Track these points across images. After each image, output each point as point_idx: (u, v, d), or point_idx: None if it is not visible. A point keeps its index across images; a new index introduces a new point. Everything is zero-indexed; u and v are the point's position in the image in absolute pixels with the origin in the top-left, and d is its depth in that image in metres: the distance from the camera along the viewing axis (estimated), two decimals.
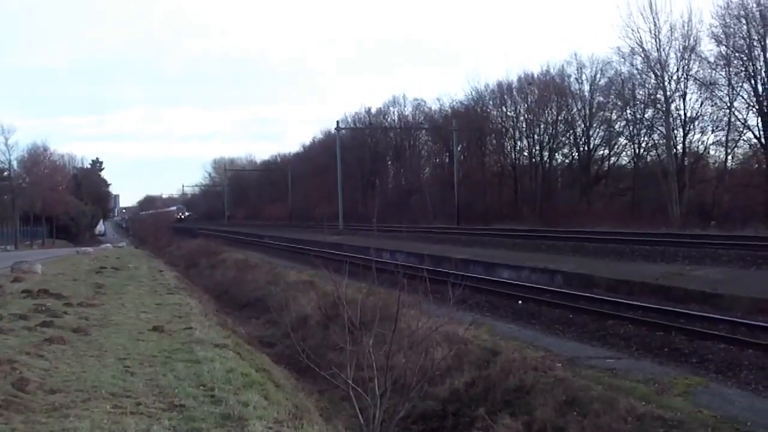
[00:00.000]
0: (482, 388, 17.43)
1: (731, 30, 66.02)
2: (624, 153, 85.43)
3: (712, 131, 72.41)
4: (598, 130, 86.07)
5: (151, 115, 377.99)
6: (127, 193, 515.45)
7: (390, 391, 13.68)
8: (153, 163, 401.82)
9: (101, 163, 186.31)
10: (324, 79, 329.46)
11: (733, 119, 68.75)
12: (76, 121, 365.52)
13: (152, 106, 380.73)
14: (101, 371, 13.97)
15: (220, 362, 15.44)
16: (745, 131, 68.94)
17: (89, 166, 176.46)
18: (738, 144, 71.39)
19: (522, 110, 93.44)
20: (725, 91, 68.26)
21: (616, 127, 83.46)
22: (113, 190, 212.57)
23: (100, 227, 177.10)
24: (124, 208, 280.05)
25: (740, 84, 66.82)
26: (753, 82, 65.31)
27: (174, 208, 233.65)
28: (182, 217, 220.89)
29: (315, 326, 27.15)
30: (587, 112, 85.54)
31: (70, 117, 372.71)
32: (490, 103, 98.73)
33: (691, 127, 72.61)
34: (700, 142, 74.49)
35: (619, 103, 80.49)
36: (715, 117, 71.09)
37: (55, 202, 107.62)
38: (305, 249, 62.75)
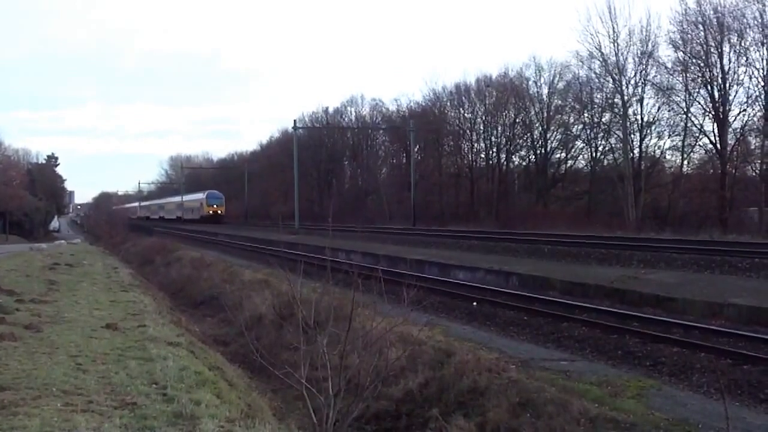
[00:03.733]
0: (436, 388, 17.45)
1: (689, 36, 66.97)
2: (581, 156, 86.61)
3: (669, 136, 73.55)
4: (555, 133, 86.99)
5: (108, 112, 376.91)
6: (83, 189, 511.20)
7: (344, 391, 13.63)
8: (109, 159, 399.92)
9: (56, 158, 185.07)
10: (282, 79, 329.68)
11: (689, 124, 69.84)
12: (31, 116, 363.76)
13: (109, 103, 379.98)
14: (52, 369, 13.84)
15: (173, 360, 15.35)
16: (701, 137, 70.01)
17: (44, 162, 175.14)
18: (694, 149, 72.43)
19: (479, 112, 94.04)
20: (682, 97, 69.38)
21: (574, 130, 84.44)
22: (68, 186, 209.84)
23: (55, 223, 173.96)
24: (80, 205, 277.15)
25: (697, 90, 67.84)
26: (709, 88, 66.21)
27: (202, 195, 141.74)
28: (218, 212, 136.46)
29: (269, 325, 27.08)
30: (545, 115, 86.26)
31: (25, 112, 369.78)
32: (448, 104, 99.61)
33: (648, 131, 73.55)
34: (656, 147, 75.74)
35: (576, 106, 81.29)
36: (671, 122, 72.23)
37: (8, 197, 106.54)
38: (261, 248, 62.56)
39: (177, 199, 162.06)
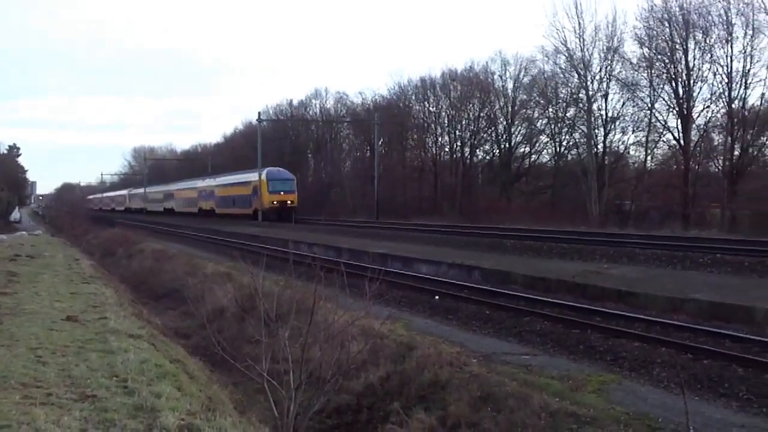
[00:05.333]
0: (397, 382, 17.46)
1: (654, 32, 67.87)
2: (545, 151, 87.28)
3: (633, 131, 74.42)
4: (519, 127, 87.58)
5: (70, 103, 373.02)
6: (45, 180, 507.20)
7: (305, 384, 13.68)
8: (71, 150, 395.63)
9: (18, 149, 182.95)
10: (246, 71, 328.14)
11: (653, 120, 70.64)
12: None
13: (71, 95, 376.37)
14: (11, 361, 13.79)
15: (134, 353, 15.35)
16: (664, 132, 70.75)
17: (5, 152, 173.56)
18: (657, 145, 73.09)
19: (444, 106, 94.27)
20: (646, 93, 70.18)
21: (538, 125, 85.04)
22: (30, 176, 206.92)
23: (16, 214, 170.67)
24: (41, 196, 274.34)
25: (661, 86, 68.64)
26: (674, 84, 66.85)
27: (256, 175, 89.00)
28: (288, 203, 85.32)
29: (231, 318, 27.02)
30: (509, 109, 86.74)
31: None
32: (413, 98, 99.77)
33: (612, 126, 74.38)
34: (620, 142, 76.63)
35: (541, 101, 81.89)
36: (635, 117, 73.08)
37: None
38: (224, 240, 62.36)
39: (202, 183, 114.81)
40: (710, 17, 64.48)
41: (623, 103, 73.28)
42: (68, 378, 12.72)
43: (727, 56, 63.75)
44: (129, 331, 18.73)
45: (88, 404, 11.00)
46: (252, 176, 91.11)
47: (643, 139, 73.20)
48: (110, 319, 20.32)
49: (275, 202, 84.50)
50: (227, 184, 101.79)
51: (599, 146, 74.90)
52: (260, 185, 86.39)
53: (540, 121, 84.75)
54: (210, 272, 39.38)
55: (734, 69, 63.47)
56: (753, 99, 64.84)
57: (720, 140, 67.57)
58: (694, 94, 66.47)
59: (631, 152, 77.86)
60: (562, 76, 76.88)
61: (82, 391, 11.82)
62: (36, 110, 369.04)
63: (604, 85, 73.04)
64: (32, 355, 14.45)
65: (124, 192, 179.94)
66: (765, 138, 64.29)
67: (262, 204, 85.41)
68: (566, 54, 73.57)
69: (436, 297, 28.92)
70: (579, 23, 71.98)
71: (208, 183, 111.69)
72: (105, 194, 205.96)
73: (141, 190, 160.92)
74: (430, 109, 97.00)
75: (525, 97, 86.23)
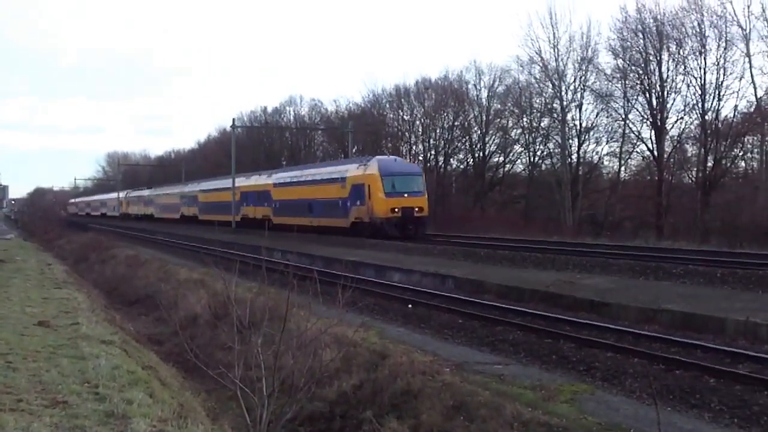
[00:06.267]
0: (370, 390, 17.42)
1: (628, 44, 68.41)
2: (519, 161, 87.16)
3: (607, 142, 74.84)
4: (494, 136, 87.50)
5: (42, 107, 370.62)
6: (18, 184, 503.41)
7: (278, 391, 13.63)
8: (44, 155, 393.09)
9: None
10: (221, 77, 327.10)
11: (627, 131, 71.18)
12: None
13: (43, 98, 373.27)
14: None
15: (105, 359, 15.23)
16: (638, 143, 71.33)
17: None
18: (631, 155, 73.54)
19: (418, 114, 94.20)
20: (620, 103, 70.75)
21: (512, 134, 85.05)
22: (2, 180, 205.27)
23: None
24: (14, 200, 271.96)
25: (635, 97, 69.16)
26: (648, 95, 67.41)
27: (360, 166, 56.76)
28: (416, 210, 52.94)
29: (204, 325, 26.90)
30: (484, 118, 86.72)
31: None
32: (387, 106, 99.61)
33: (586, 137, 74.83)
34: (594, 153, 76.89)
35: (515, 110, 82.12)
36: (609, 128, 73.52)
37: None
38: (197, 246, 62.14)
39: (247, 181, 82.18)
40: (684, 29, 65.18)
41: (597, 114, 74.00)
42: (39, 384, 12.62)
43: (700, 68, 64.53)
44: (101, 337, 18.61)
45: (59, 410, 10.90)
46: (349, 170, 59.54)
47: (617, 150, 73.83)
48: (82, 324, 20.19)
49: (396, 209, 53.39)
50: (299, 182, 69.19)
51: (573, 156, 75.45)
52: (367, 183, 55.35)
53: (514, 130, 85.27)
54: (183, 278, 39.23)
55: (708, 81, 64.25)
56: (726, 111, 65.73)
57: (693, 152, 68.39)
58: (668, 106, 67.26)
59: (605, 163, 78.59)
60: (536, 86, 77.59)
61: (53, 397, 11.71)
62: (7, 113, 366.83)
63: (579, 95, 73.68)
64: (2, 361, 14.32)
65: (119, 195, 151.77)
66: (738, 150, 64.95)
67: (372, 212, 54.74)
68: (541, 64, 74.14)
69: (410, 305, 28.91)
70: (554, 34, 72.55)
71: (255, 181, 79.89)
72: (93, 197, 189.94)
73: (145, 192, 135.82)
74: (405, 117, 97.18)
75: (499, 106, 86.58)
